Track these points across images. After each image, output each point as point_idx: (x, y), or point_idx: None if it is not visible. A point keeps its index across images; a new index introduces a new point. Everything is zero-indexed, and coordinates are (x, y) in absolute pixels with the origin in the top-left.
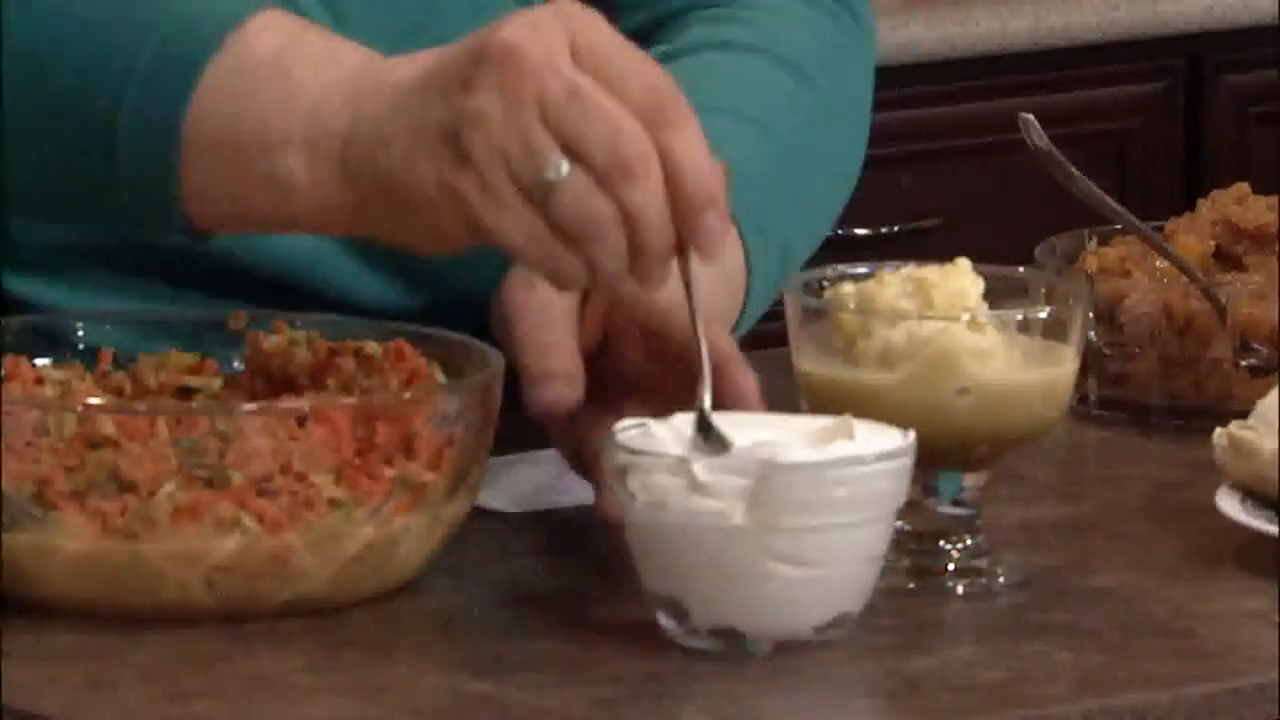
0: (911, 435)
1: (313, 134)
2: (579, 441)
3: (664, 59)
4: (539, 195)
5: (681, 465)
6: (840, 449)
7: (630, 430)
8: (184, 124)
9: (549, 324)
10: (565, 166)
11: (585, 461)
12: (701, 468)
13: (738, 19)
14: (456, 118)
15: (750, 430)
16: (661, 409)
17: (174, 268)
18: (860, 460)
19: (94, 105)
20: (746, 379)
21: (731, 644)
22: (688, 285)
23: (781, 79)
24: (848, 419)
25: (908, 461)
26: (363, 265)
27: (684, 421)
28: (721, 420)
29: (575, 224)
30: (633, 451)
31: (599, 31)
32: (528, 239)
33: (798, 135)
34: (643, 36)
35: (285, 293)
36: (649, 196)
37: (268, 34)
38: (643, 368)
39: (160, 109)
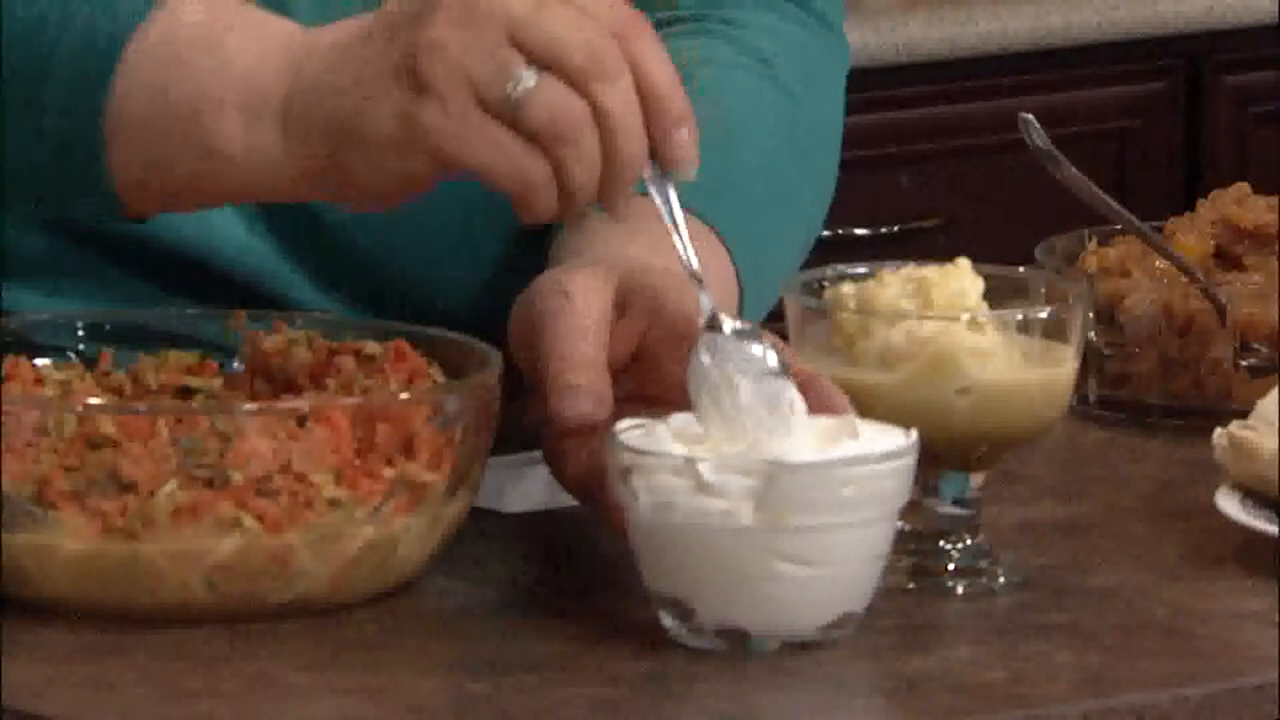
0: (915, 435)
1: (248, 98)
2: (586, 461)
3: None
4: (509, 107)
5: (687, 465)
6: (846, 449)
7: (634, 430)
8: (109, 100)
9: (581, 335)
10: (533, 77)
11: (589, 481)
12: (707, 467)
13: (717, 33)
14: (410, 51)
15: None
16: None
17: (162, 273)
18: (866, 460)
19: (21, 88)
20: (837, 395)
21: (736, 644)
22: (664, 201)
23: (764, 93)
24: (852, 419)
25: (912, 461)
26: (321, 289)
27: (688, 421)
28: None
29: (548, 127)
30: (638, 451)
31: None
32: (496, 155)
33: (782, 151)
34: None
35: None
36: (624, 95)
37: (193, 5)
38: (673, 385)
39: (84, 87)
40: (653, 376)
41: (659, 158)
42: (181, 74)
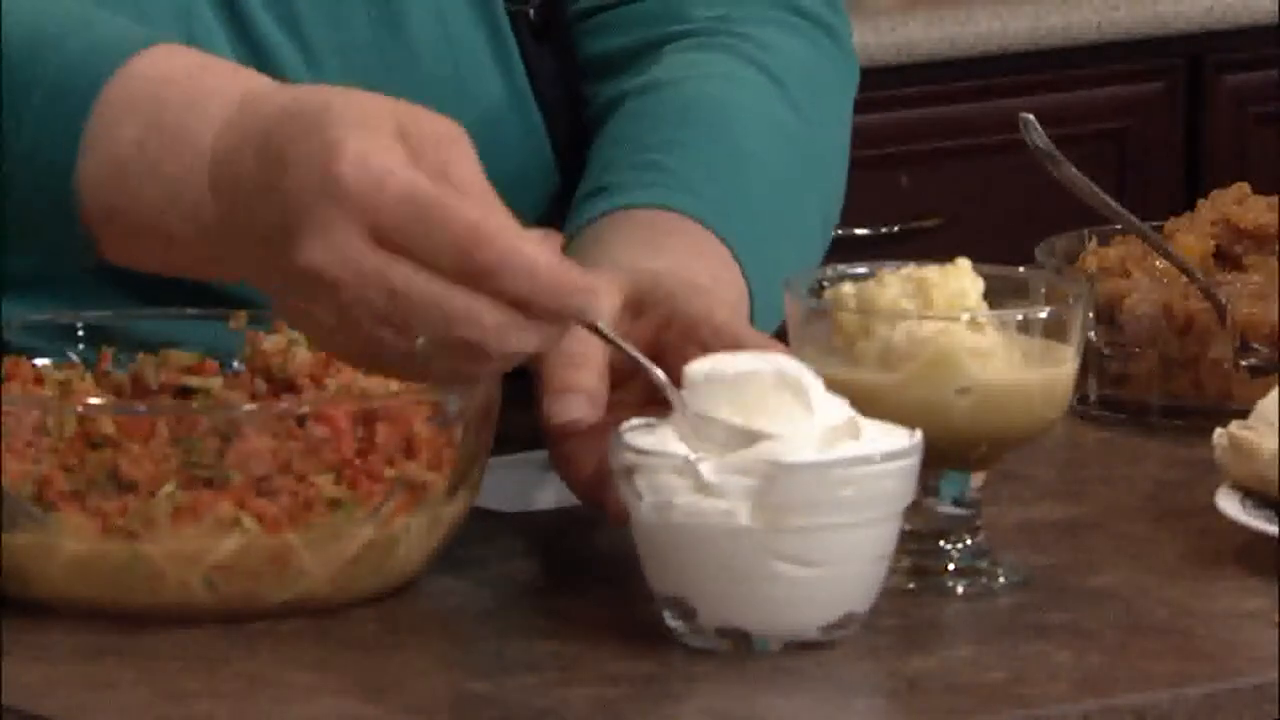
0: (918, 435)
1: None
2: (593, 465)
3: (649, 89)
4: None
5: (688, 465)
6: (847, 449)
7: (637, 430)
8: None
9: (581, 336)
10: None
11: (592, 480)
12: (708, 467)
13: (728, 48)
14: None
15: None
16: None
17: (156, 286)
18: (867, 460)
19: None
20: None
21: (739, 644)
22: (604, 336)
23: (774, 110)
24: (855, 419)
25: (914, 461)
26: None
27: (691, 421)
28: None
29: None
30: (639, 451)
31: (397, 207)
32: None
33: (791, 168)
34: (616, 63)
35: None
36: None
37: (139, 93)
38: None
39: (57, 140)
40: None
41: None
42: (136, 181)
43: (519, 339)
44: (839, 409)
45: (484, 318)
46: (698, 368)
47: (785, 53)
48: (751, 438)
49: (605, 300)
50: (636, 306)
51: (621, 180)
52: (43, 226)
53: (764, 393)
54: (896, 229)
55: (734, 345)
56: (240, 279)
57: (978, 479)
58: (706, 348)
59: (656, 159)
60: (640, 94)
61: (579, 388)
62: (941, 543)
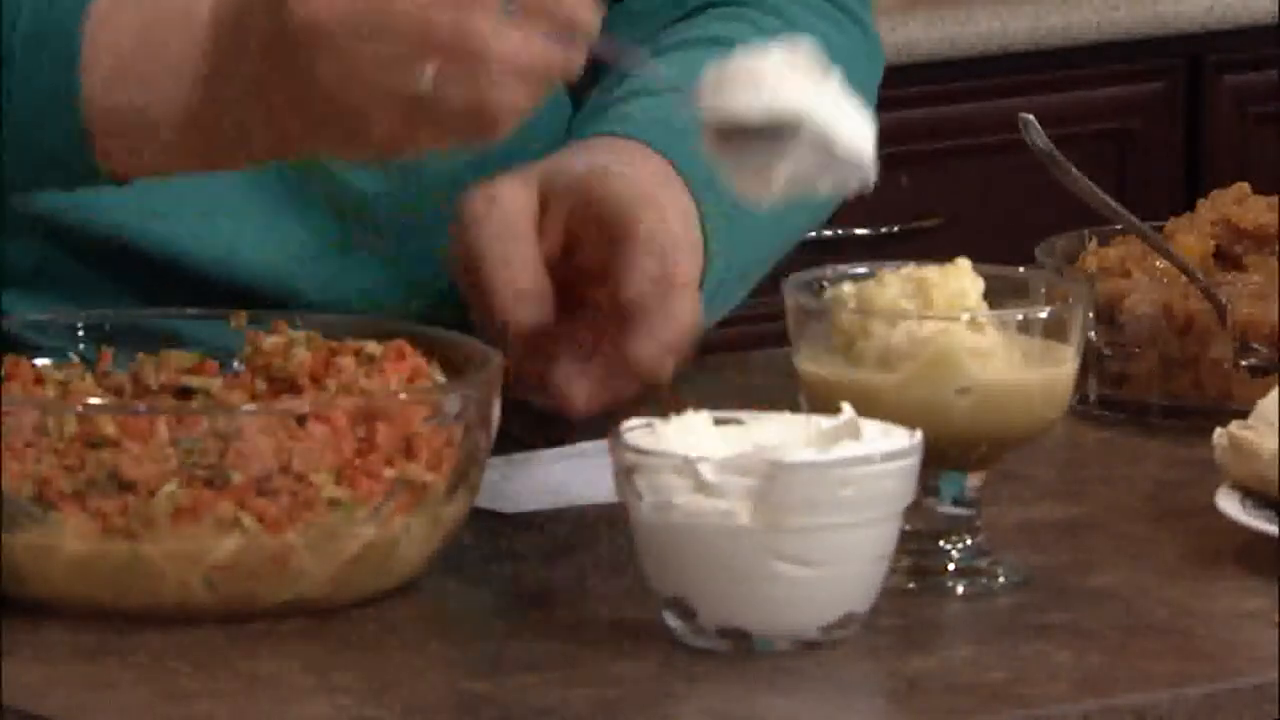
0: (918, 435)
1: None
2: (542, 355)
3: (667, 49)
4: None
5: (688, 465)
6: (846, 449)
7: (637, 430)
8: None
9: (513, 237)
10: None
11: (542, 377)
12: (708, 468)
13: (751, 19)
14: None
15: (757, 429)
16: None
17: (157, 282)
18: (867, 460)
19: None
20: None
21: (739, 644)
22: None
23: None
24: (854, 419)
25: (914, 461)
26: (345, 266)
27: (691, 421)
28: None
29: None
30: (639, 451)
31: None
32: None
33: None
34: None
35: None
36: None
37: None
38: (602, 278)
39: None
40: (585, 271)
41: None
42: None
43: (514, 47)
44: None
45: (474, 23)
46: (710, 72)
47: (801, 25)
48: (775, 119)
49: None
50: (544, 198)
51: (599, 117)
52: (44, 130)
53: (780, 74)
54: (896, 229)
55: (617, 219)
56: (242, 156)
57: (978, 479)
58: (601, 223)
59: (630, 108)
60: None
61: (524, 291)
62: (941, 543)
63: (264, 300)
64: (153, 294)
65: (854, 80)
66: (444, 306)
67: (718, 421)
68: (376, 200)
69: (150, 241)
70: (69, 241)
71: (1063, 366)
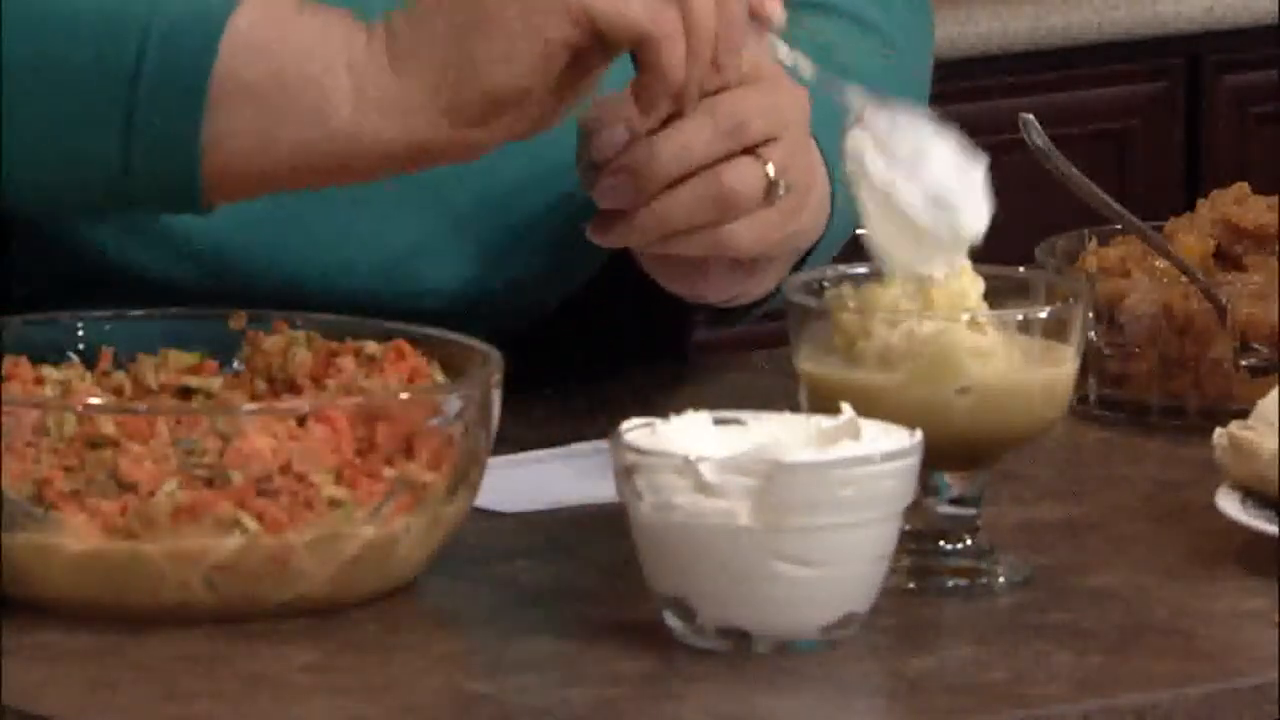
0: (918, 435)
1: (355, 51)
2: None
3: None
4: None
5: (688, 465)
6: (846, 449)
7: (637, 430)
8: (212, 70)
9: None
10: None
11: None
12: (708, 468)
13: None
14: None
15: (757, 429)
16: None
17: (179, 298)
18: (867, 460)
19: (112, 66)
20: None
21: (739, 644)
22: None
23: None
24: (854, 419)
25: (914, 461)
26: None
27: (691, 421)
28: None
29: None
30: (640, 451)
31: None
32: (625, 2)
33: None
34: None
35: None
36: None
37: None
38: None
39: (189, 55)
40: None
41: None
42: (285, 45)
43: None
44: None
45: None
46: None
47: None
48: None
49: None
50: None
51: None
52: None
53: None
54: None
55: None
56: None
57: (978, 479)
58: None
59: None
60: None
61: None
62: (941, 543)
63: (324, 302)
64: (151, 299)
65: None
66: (531, 300)
67: (718, 421)
68: (454, 188)
69: (206, 236)
70: (75, 274)
71: (1063, 366)
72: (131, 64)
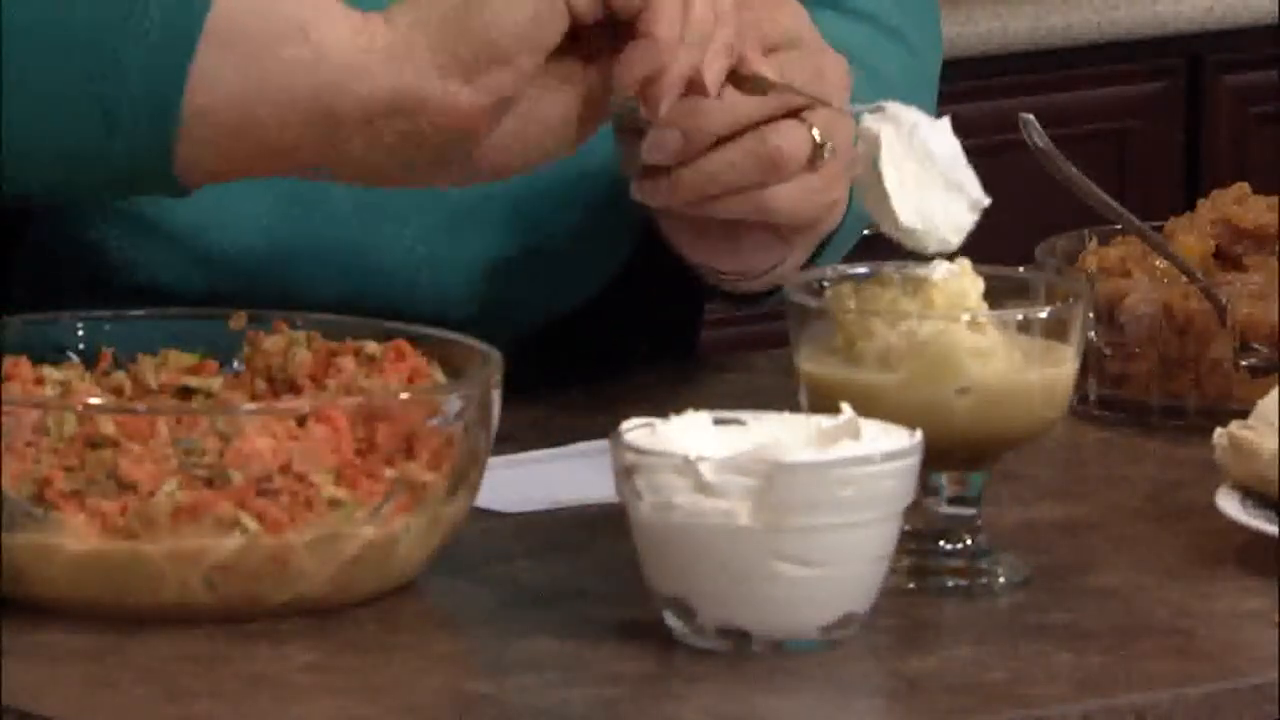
0: (918, 435)
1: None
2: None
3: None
4: None
5: (688, 465)
6: (846, 449)
7: (637, 430)
8: (207, 15)
9: None
10: None
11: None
12: (708, 468)
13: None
14: None
15: (757, 429)
16: None
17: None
18: (866, 460)
19: (106, 14)
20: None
21: (739, 644)
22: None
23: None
24: (854, 419)
25: (914, 461)
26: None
27: (691, 421)
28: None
29: None
30: (640, 451)
31: None
32: None
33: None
34: None
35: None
36: None
37: None
38: None
39: (178, 12)
40: None
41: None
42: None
43: None
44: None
45: None
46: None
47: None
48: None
49: None
50: None
51: None
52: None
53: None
54: None
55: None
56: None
57: (978, 479)
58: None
59: None
60: None
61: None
62: (941, 543)
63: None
64: (151, 300)
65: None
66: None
67: (718, 421)
68: (465, 193)
69: (215, 240)
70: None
71: (1063, 366)
72: (125, 7)
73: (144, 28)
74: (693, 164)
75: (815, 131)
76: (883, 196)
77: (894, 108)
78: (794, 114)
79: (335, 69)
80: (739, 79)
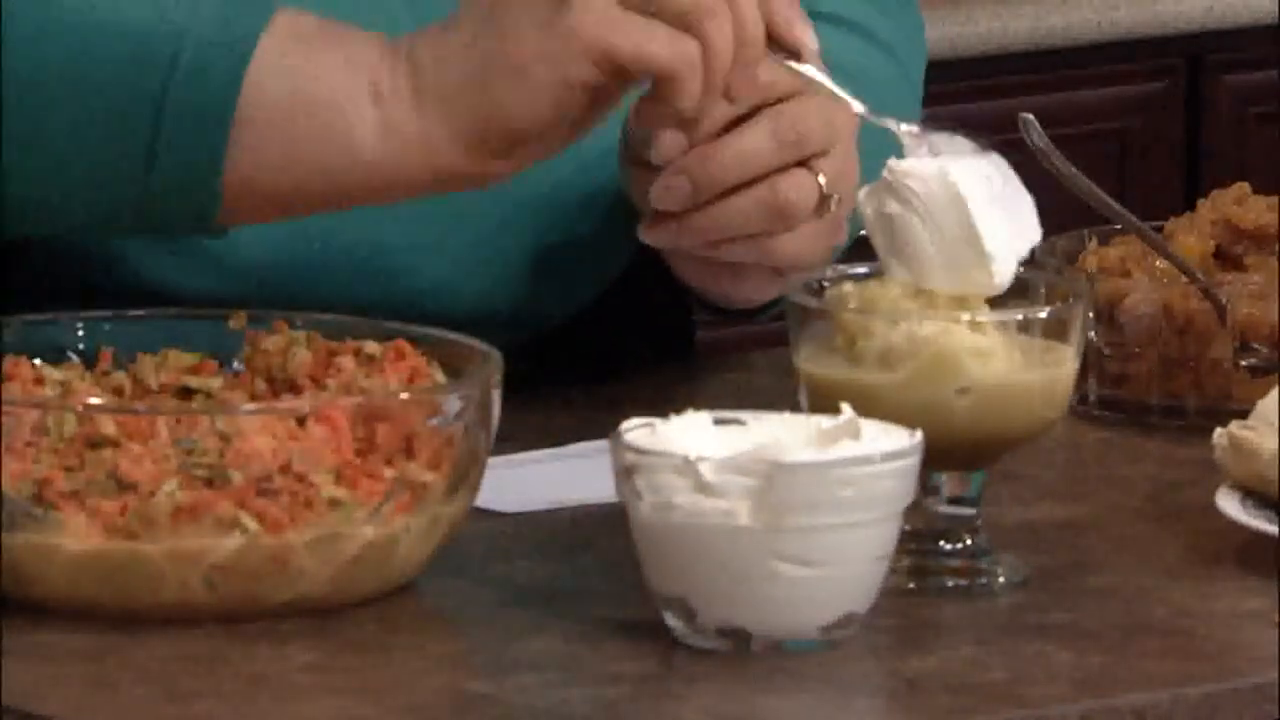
0: (919, 435)
1: (380, 82)
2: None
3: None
4: (648, 2)
5: (688, 465)
6: (846, 449)
7: (637, 430)
8: (238, 98)
9: None
10: None
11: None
12: (708, 468)
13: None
14: None
15: (757, 429)
16: None
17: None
18: (866, 460)
19: (138, 89)
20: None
21: (739, 644)
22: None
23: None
24: (854, 419)
25: (914, 461)
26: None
27: (691, 421)
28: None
29: (690, 8)
30: (640, 451)
31: None
32: (650, 38)
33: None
34: None
35: None
36: None
37: (305, 16)
38: None
39: (216, 79)
40: None
41: (781, 45)
42: (310, 68)
43: (751, 21)
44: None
45: None
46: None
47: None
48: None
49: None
50: None
51: None
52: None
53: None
54: None
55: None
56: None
57: (978, 479)
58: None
59: None
60: None
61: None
62: (941, 543)
63: (343, 305)
64: (150, 301)
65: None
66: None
67: (718, 421)
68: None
69: (224, 242)
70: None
71: (1063, 366)
72: (158, 88)
73: (176, 109)
74: (703, 210)
75: (822, 179)
76: (917, 258)
77: (910, 163)
78: (802, 163)
79: (371, 155)
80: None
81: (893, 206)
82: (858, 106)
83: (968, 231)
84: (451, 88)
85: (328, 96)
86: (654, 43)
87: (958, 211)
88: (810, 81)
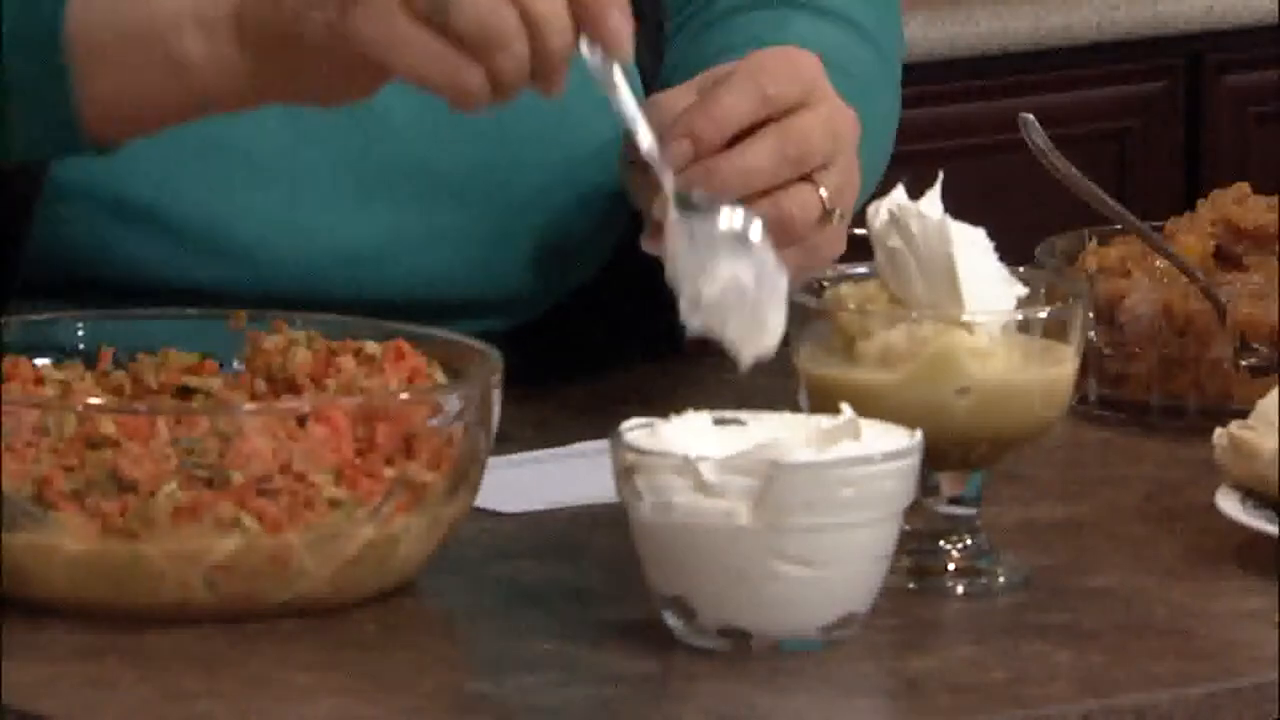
0: (918, 435)
1: (201, 12)
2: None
3: (729, 14)
4: (437, 14)
5: (688, 465)
6: (846, 449)
7: (637, 430)
8: (64, 29)
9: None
10: None
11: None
12: (708, 468)
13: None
14: None
15: (757, 429)
16: None
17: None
18: (866, 460)
19: None
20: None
21: (738, 644)
22: (611, 86)
23: (851, 42)
24: (854, 419)
25: (914, 461)
26: (432, 250)
27: (691, 421)
28: (731, 417)
29: (478, 35)
30: (639, 451)
31: None
32: (427, 62)
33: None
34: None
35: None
36: (551, 2)
37: None
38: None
39: (38, 20)
40: None
41: (597, 43)
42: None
43: (553, 36)
44: None
45: None
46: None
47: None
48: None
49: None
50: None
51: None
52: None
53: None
54: None
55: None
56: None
57: (977, 479)
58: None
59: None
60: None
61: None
62: (941, 543)
63: (341, 291)
64: (150, 300)
65: (872, 109)
66: (525, 290)
67: (718, 421)
68: (466, 178)
69: (224, 232)
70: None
71: (1063, 366)
72: None
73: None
74: None
75: (824, 193)
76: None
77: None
78: (805, 177)
79: (202, 79)
80: None
81: (895, 240)
82: (645, 141)
83: (951, 287)
84: (261, 37)
85: (145, 26)
86: (433, 70)
87: (946, 264)
88: (616, 101)
